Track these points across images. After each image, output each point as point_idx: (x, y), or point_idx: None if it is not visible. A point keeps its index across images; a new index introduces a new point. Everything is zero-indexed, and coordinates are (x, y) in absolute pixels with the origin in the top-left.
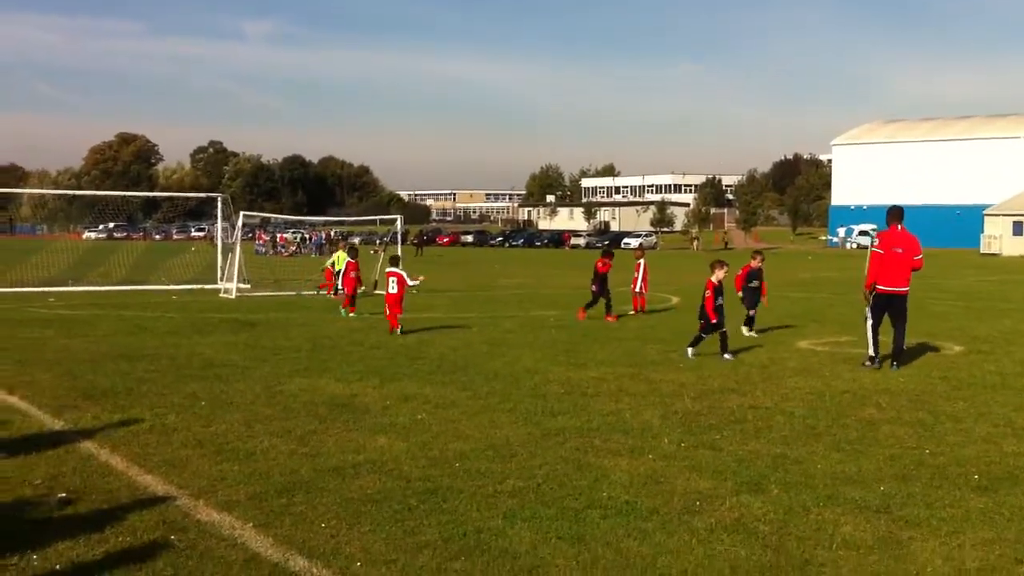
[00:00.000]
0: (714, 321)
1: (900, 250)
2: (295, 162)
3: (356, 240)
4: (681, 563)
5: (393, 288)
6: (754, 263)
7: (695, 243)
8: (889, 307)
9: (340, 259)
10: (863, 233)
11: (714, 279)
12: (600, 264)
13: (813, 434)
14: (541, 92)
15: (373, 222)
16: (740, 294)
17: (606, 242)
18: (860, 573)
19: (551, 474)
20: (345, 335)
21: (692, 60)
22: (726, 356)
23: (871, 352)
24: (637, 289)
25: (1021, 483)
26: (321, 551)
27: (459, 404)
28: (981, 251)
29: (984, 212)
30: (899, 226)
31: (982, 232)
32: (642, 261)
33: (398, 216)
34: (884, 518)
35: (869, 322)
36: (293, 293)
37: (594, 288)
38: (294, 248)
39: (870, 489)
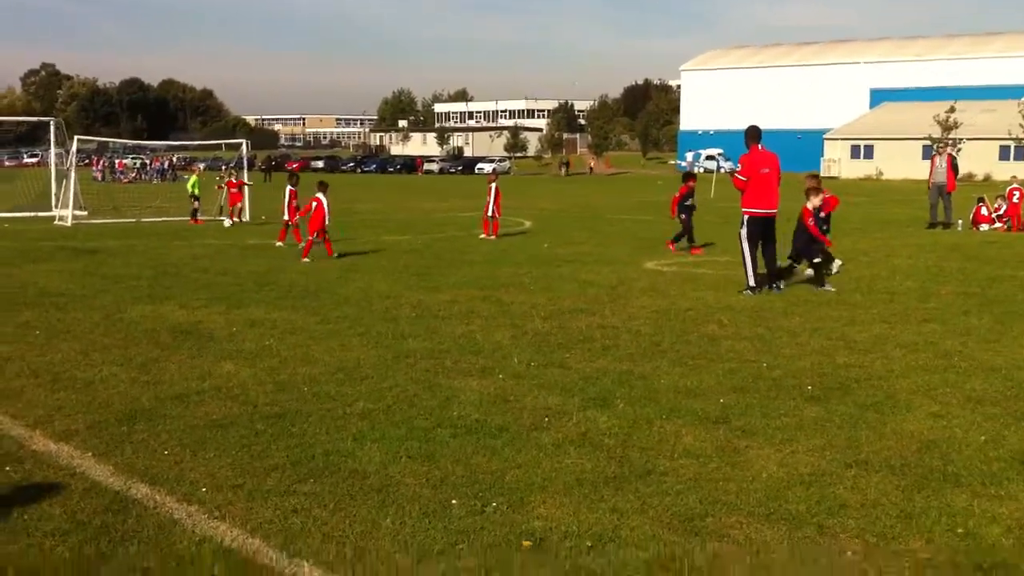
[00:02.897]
0: (828, 245)
1: (767, 170)
2: (133, 85)
3: (201, 166)
4: (529, 476)
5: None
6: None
7: (563, 168)
8: (765, 230)
9: (194, 183)
10: (710, 158)
11: (810, 206)
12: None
13: (658, 351)
14: (392, 15)
15: (218, 147)
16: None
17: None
18: (699, 479)
19: (401, 395)
20: (190, 262)
21: None
22: (781, 286)
23: (751, 282)
24: (489, 213)
25: (852, 392)
26: (164, 478)
27: (308, 329)
28: (821, 174)
29: (824, 136)
30: (759, 146)
31: (822, 156)
32: (494, 185)
33: (243, 141)
34: (723, 428)
35: (746, 250)
36: (133, 220)
37: (683, 217)
38: (133, 174)
39: (710, 401)
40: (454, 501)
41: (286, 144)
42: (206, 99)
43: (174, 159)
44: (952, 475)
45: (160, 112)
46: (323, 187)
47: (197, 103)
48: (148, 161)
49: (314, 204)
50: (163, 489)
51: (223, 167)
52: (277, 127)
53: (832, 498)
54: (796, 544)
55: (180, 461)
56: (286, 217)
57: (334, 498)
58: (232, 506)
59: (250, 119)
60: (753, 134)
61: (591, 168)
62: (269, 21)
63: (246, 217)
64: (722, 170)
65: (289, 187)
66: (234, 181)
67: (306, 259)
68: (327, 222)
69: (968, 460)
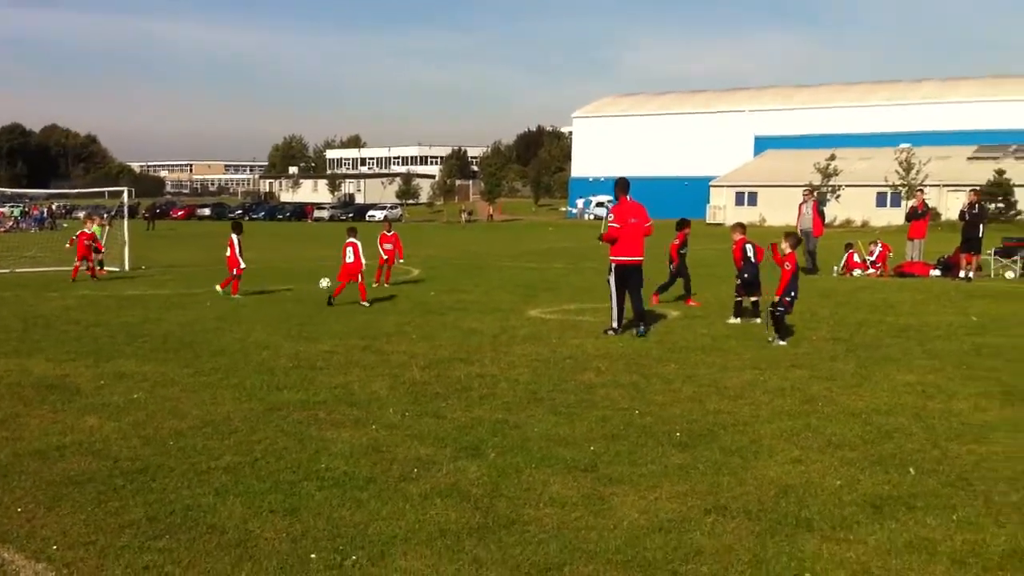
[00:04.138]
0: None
1: (634, 220)
2: (14, 131)
3: (82, 214)
4: (392, 529)
5: (350, 258)
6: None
7: (464, 216)
8: (629, 277)
9: (97, 231)
10: (600, 204)
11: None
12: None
13: (534, 399)
14: (284, 60)
15: (101, 195)
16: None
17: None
18: (562, 528)
19: (270, 448)
20: (61, 313)
21: (439, 31)
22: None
23: (615, 324)
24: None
25: (718, 438)
26: (14, 535)
27: (180, 381)
28: (707, 221)
29: (710, 183)
30: (627, 197)
31: (708, 203)
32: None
33: (125, 188)
34: (590, 476)
35: (613, 294)
36: (7, 270)
37: (673, 268)
38: (11, 223)
39: (580, 449)
40: (313, 555)
41: (172, 191)
42: (89, 145)
43: (53, 207)
44: (805, 520)
45: (41, 158)
46: (354, 232)
47: (80, 149)
48: (27, 209)
49: (349, 250)
50: (12, 547)
51: (104, 215)
52: (163, 174)
53: (688, 544)
54: None
55: (32, 518)
56: (242, 266)
57: (189, 554)
58: (83, 563)
59: (135, 165)
60: (622, 185)
61: (491, 215)
62: (157, 64)
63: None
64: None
65: (234, 235)
66: (87, 232)
67: (365, 303)
68: (362, 266)
69: (822, 505)
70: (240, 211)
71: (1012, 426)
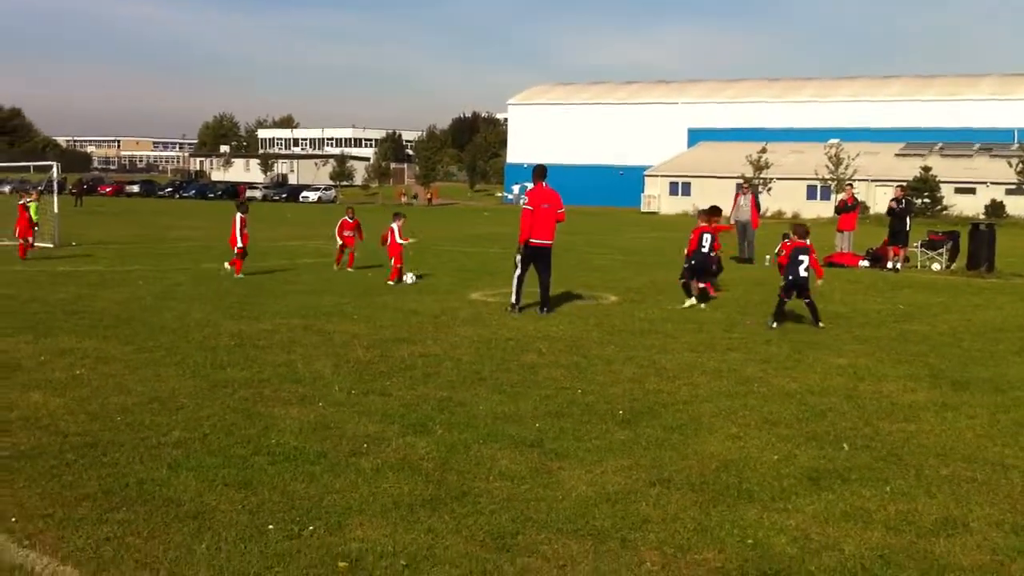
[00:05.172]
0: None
1: (547, 205)
2: None
3: (5, 188)
4: (346, 500)
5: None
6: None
7: (403, 199)
8: (537, 259)
9: (34, 208)
10: None
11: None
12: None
13: (478, 378)
14: (214, 37)
15: (26, 169)
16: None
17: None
18: (512, 500)
19: (219, 424)
20: None
21: (375, 13)
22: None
23: (514, 300)
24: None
25: (659, 416)
26: None
27: (122, 358)
28: (642, 210)
29: (644, 173)
30: (543, 184)
31: (643, 192)
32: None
33: (54, 163)
34: (537, 451)
35: (517, 272)
36: None
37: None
38: None
39: (526, 426)
40: (271, 526)
41: (99, 167)
42: (14, 118)
43: None
44: (746, 491)
45: None
46: (398, 217)
47: (4, 122)
48: None
49: (389, 233)
50: None
51: (30, 189)
52: (90, 149)
53: (636, 514)
54: (600, 557)
55: None
56: (240, 245)
57: (148, 526)
58: (43, 535)
59: (61, 140)
60: (539, 172)
61: (429, 199)
62: (85, 37)
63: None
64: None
65: (239, 214)
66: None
67: (391, 282)
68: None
69: (761, 477)
70: (170, 189)
71: (939, 406)
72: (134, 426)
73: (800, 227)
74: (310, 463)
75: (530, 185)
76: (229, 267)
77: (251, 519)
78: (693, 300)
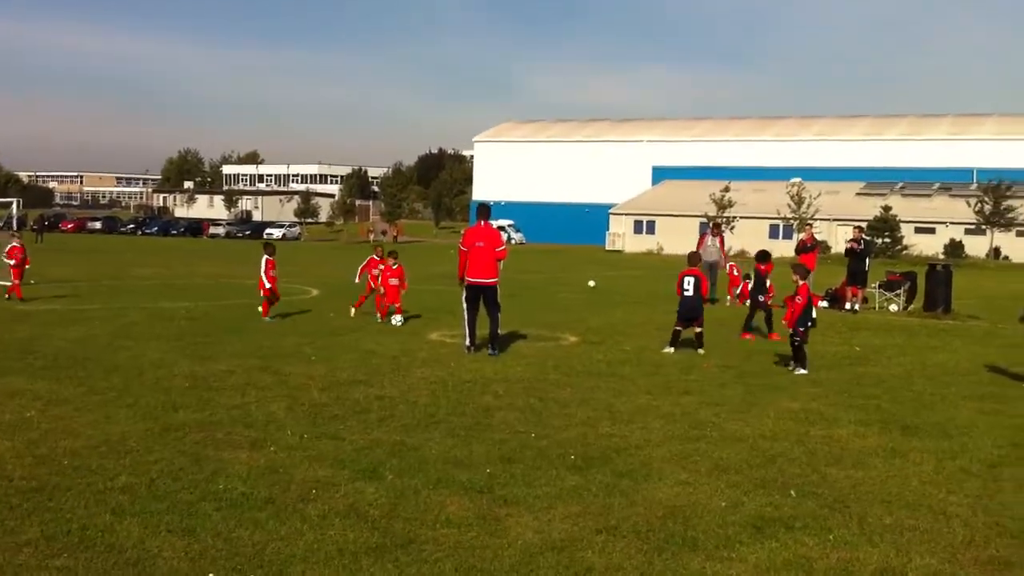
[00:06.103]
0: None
1: (481, 244)
2: None
3: None
4: (291, 548)
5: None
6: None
7: (371, 236)
8: (479, 297)
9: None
10: (500, 228)
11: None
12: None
13: (432, 421)
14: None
15: None
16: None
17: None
18: (458, 548)
19: (167, 469)
20: None
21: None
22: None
23: (467, 342)
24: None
25: (611, 461)
26: None
27: (73, 400)
28: (607, 247)
29: (609, 211)
30: (483, 222)
31: (608, 230)
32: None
33: (14, 200)
34: (486, 497)
35: (464, 313)
36: None
37: (761, 298)
38: None
39: (477, 471)
40: (211, 574)
41: (61, 203)
42: None
43: None
44: (691, 539)
45: None
46: (393, 256)
47: None
48: None
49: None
50: None
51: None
52: (52, 184)
53: (580, 562)
54: None
55: None
56: (268, 286)
57: (87, 573)
58: None
59: (23, 175)
60: (481, 211)
61: (395, 236)
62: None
63: None
64: (512, 241)
65: (266, 256)
66: (17, 246)
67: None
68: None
69: (707, 525)
70: (132, 225)
71: (887, 452)
72: (81, 470)
73: (799, 267)
74: (256, 509)
75: (497, 223)
76: (260, 311)
77: (192, 566)
78: (671, 349)
